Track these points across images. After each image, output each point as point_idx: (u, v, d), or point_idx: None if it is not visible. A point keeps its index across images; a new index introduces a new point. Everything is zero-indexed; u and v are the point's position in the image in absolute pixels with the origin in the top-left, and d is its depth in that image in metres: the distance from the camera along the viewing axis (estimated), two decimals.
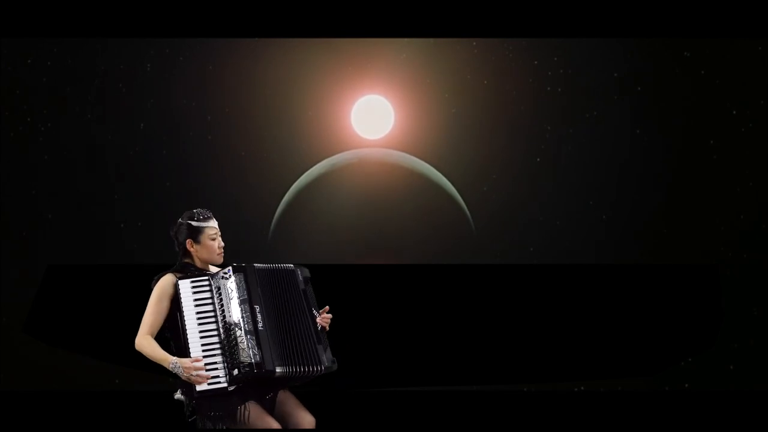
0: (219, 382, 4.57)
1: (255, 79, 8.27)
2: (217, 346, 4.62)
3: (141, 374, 6.26)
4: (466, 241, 8.31)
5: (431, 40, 8.22)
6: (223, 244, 4.85)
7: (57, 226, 8.28)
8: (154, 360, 4.62)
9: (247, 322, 4.62)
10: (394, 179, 8.34)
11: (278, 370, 4.58)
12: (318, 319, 4.85)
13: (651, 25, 7.75)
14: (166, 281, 4.70)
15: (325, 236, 8.27)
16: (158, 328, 4.68)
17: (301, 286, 4.87)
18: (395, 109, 8.36)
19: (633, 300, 8.09)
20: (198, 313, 4.65)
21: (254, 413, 4.61)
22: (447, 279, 8.19)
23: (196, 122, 8.34)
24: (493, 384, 8.12)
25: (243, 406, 4.60)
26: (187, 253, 4.82)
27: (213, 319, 4.66)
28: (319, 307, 4.90)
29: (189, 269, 4.78)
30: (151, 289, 4.71)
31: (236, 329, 4.60)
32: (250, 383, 4.60)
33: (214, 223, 4.85)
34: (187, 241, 4.80)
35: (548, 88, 8.28)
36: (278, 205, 8.36)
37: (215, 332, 4.64)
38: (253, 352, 4.56)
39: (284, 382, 4.72)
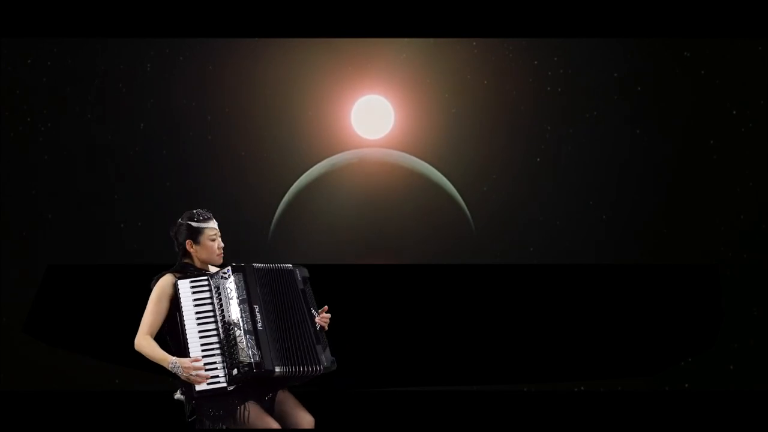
0: (218, 382, 4.57)
1: (255, 79, 8.27)
2: (217, 346, 4.62)
3: (141, 374, 6.26)
4: (466, 241, 8.31)
5: (431, 40, 8.22)
6: (222, 244, 4.86)
7: (57, 226, 8.28)
8: (154, 360, 4.62)
9: (247, 322, 4.62)
10: (394, 179, 8.34)
11: (277, 369, 4.58)
12: (317, 319, 4.85)
13: (651, 25, 7.75)
14: (165, 281, 4.70)
15: (325, 236, 8.27)
16: (158, 329, 4.68)
17: (300, 286, 4.87)
18: (395, 109, 8.36)
19: (633, 300, 8.09)
20: (197, 313, 4.65)
21: (254, 413, 4.61)
22: (447, 279, 8.19)
23: (196, 122, 8.34)
24: (493, 384, 8.12)
25: (243, 406, 4.60)
26: (187, 254, 4.82)
27: (212, 319, 4.66)
28: (318, 306, 4.90)
29: (188, 269, 4.78)
30: (151, 290, 4.71)
31: (235, 329, 4.60)
32: (250, 383, 4.60)
33: (213, 224, 4.85)
34: (187, 241, 4.80)
35: (548, 88, 8.28)
36: (278, 205, 8.36)
37: (214, 332, 4.64)
38: (252, 351, 4.56)
39: (283, 382, 4.73)
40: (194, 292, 4.68)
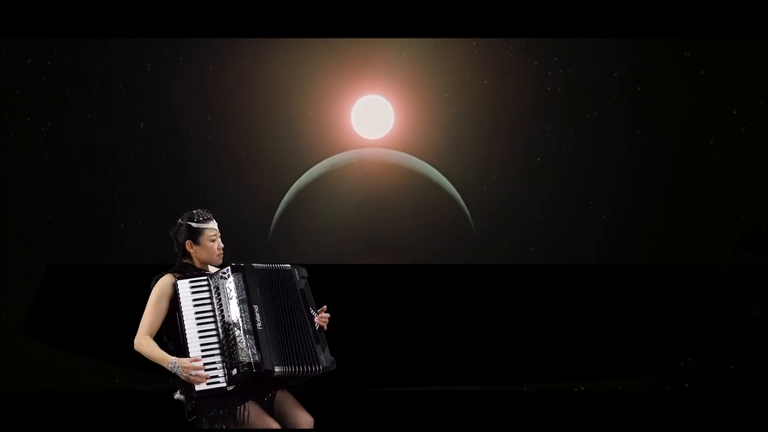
0: (218, 382, 4.57)
1: (255, 79, 8.27)
2: (216, 346, 4.62)
3: (141, 374, 6.26)
4: (466, 241, 8.31)
5: (431, 40, 8.22)
6: (222, 245, 4.86)
7: (57, 226, 8.28)
8: (153, 360, 4.62)
9: (246, 322, 4.62)
10: (394, 179, 8.34)
11: (277, 369, 4.58)
12: (316, 319, 4.85)
13: (651, 25, 7.75)
14: (165, 282, 4.70)
15: (325, 236, 8.26)
16: (157, 329, 4.68)
17: (299, 286, 4.87)
18: (395, 109, 8.36)
19: (633, 300, 8.09)
20: (197, 313, 4.65)
21: (254, 413, 4.62)
22: (447, 279, 8.19)
23: (196, 122, 8.34)
24: (493, 384, 8.12)
25: (242, 406, 4.61)
26: (187, 254, 4.82)
27: (212, 319, 4.66)
28: (317, 306, 4.91)
29: (188, 269, 4.78)
30: (150, 290, 4.71)
31: (235, 329, 4.60)
32: (249, 383, 4.60)
33: (213, 225, 4.85)
34: (187, 242, 4.80)
35: (548, 88, 8.28)
36: (278, 205, 8.36)
37: (214, 332, 4.64)
38: (252, 351, 4.56)
39: (283, 381, 4.73)
40: (194, 292, 4.68)
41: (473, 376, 8.09)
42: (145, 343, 4.63)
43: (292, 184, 8.37)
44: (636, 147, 8.20)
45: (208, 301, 4.68)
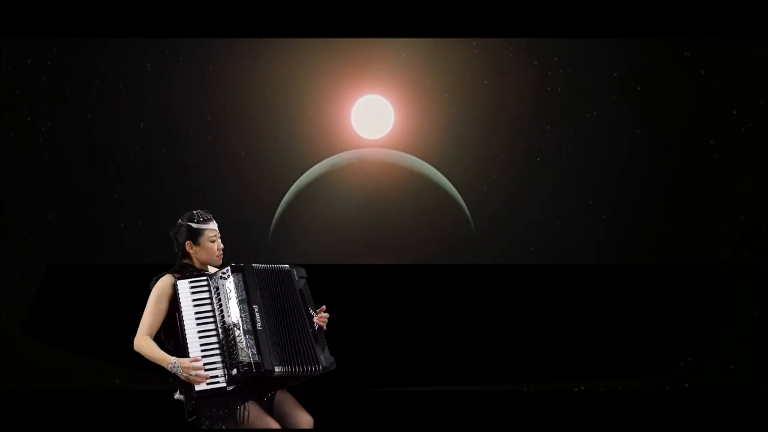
0: (218, 382, 4.57)
1: (255, 79, 8.27)
2: (216, 346, 4.62)
3: (141, 374, 6.26)
4: (466, 241, 8.31)
5: (431, 40, 8.22)
6: (222, 246, 4.86)
7: (57, 226, 8.28)
8: (153, 360, 4.62)
9: (246, 322, 4.62)
10: (394, 179, 8.34)
11: (277, 369, 4.58)
12: (315, 319, 4.85)
13: (651, 25, 7.75)
14: (164, 282, 4.70)
15: (325, 236, 8.26)
16: (157, 329, 4.68)
17: (298, 286, 4.87)
18: (395, 109, 8.36)
19: (633, 300, 8.09)
20: (197, 313, 4.65)
21: (254, 413, 4.62)
22: (447, 279, 8.19)
23: (196, 122, 8.34)
24: (493, 384, 8.12)
25: (242, 406, 4.61)
26: (187, 254, 4.82)
27: (212, 319, 4.66)
28: (316, 306, 4.91)
29: (188, 270, 4.78)
30: (150, 290, 4.71)
31: (235, 329, 4.60)
32: (249, 383, 4.60)
33: (213, 225, 4.85)
34: (187, 242, 4.80)
35: (548, 88, 8.28)
36: (278, 205, 8.36)
37: (214, 332, 4.64)
38: (252, 351, 4.56)
39: (282, 382, 4.73)
40: (193, 293, 4.68)
41: (473, 376, 8.09)
42: (144, 343, 4.63)
43: (292, 184, 8.37)
44: (636, 147, 8.20)
45: (208, 301, 4.68)
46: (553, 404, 7.93)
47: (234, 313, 4.64)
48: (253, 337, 4.59)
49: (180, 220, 4.84)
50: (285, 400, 4.78)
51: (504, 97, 8.29)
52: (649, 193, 8.20)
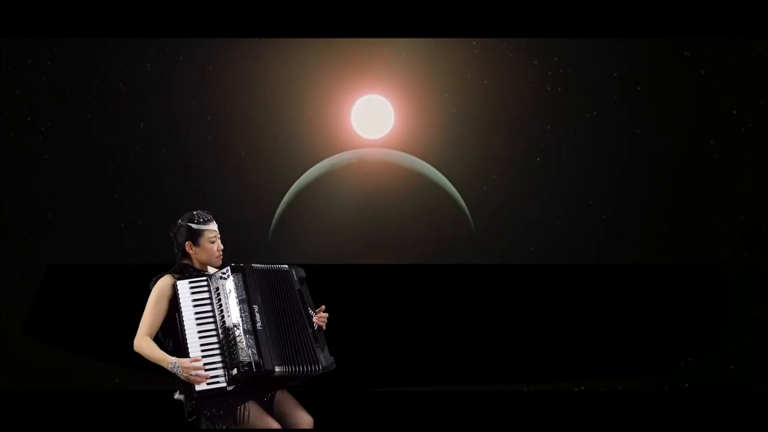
0: (218, 382, 4.57)
1: (255, 79, 8.27)
2: (216, 346, 4.62)
3: (141, 374, 6.25)
4: (466, 241, 8.31)
5: (431, 40, 8.22)
6: (222, 247, 4.85)
7: (57, 226, 8.28)
8: (153, 360, 4.62)
9: (246, 322, 4.62)
10: (394, 179, 8.34)
11: (277, 369, 4.58)
12: (315, 319, 4.85)
13: (651, 25, 7.75)
14: (164, 283, 4.70)
15: (325, 236, 8.26)
16: (157, 329, 4.68)
17: (297, 286, 4.87)
18: (395, 109, 8.36)
19: (633, 300, 8.09)
20: (197, 313, 4.65)
21: (254, 413, 4.62)
22: (447, 279, 8.19)
23: (196, 122, 8.34)
24: (493, 384, 8.12)
25: (243, 406, 4.61)
26: (186, 255, 4.82)
27: (212, 320, 4.66)
28: (316, 306, 4.91)
29: (187, 270, 4.78)
30: (150, 290, 4.71)
31: (235, 329, 4.60)
32: (249, 383, 4.60)
33: (213, 226, 4.85)
34: (187, 243, 4.80)
35: (548, 88, 8.28)
36: (278, 205, 8.36)
37: (214, 332, 4.64)
38: (252, 351, 4.56)
39: (283, 381, 4.73)
40: (193, 293, 4.68)
41: (473, 376, 8.09)
42: (144, 344, 4.63)
43: (292, 184, 8.37)
44: (636, 147, 8.20)
45: (208, 301, 4.68)
46: (553, 404, 7.93)
47: (234, 313, 4.64)
48: (253, 337, 4.59)
49: (180, 221, 4.84)
50: (285, 400, 4.78)
51: (504, 97, 8.28)
52: (649, 193, 8.20)
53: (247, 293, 4.68)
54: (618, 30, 7.77)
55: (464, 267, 8.25)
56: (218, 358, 4.59)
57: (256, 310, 4.66)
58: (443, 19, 7.74)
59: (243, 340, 4.57)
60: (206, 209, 4.90)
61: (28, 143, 8.28)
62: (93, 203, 8.29)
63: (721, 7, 7.61)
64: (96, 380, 8.09)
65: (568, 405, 7.92)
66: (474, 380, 8.11)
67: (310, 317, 4.84)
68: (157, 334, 4.68)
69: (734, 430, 7.27)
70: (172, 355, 4.59)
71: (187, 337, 4.59)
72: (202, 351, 4.59)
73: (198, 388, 4.56)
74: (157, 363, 4.61)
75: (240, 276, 4.69)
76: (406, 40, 8.22)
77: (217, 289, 4.68)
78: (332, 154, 8.39)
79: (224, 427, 4.60)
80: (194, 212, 4.84)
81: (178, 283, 4.67)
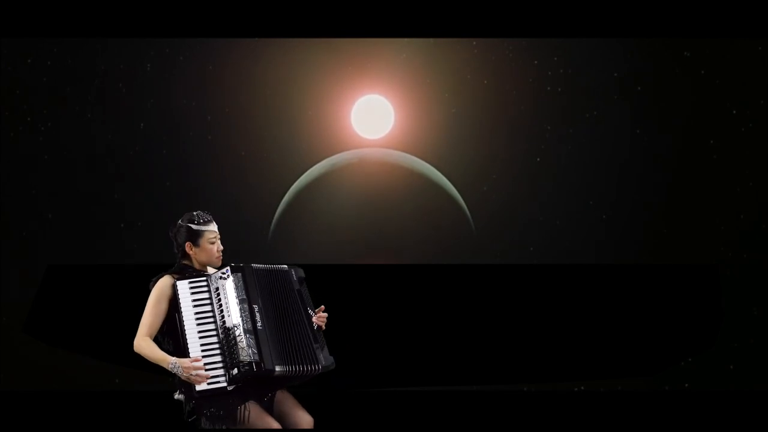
0: (218, 382, 4.57)
1: (255, 79, 8.27)
2: (216, 346, 4.62)
3: (141, 374, 6.25)
4: (466, 241, 8.31)
5: (431, 40, 8.22)
6: (222, 247, 4.85)
7: (57, 226, 8.28)
8: (154, 361, 4.62)
9: (246, 322, 4.62)
10: (394, 179, 8.34)
11: (277, 369, 4.58)
12: (314, 319, 4.85)
13: (651, 25, 7.75)
14: (164, 283, 4.70)
15: (325, 236, 8.26)
16: (157, 330, 4.67)
17: (296, 286, 4.87)
18: (395, 109, 8.36)
19: (633, 300, 8.09)
20: (197, 313, 4.65)
21: (254, 413, 4.62)
22: (447, 279, 8.19)
23: (196, 122, 8.34)
24: (493, 384, 8.12)
25: (243, 406, 4.60)
26: (186, 255, 4.82)
27: (212, 320, 4.66)
28: (316, 306, 4.91)
29: (187, 271, 4.78)
30: (149, 291, 4.71)
31: (235, 329, 4.60)
32: (250, 383, 4.60)
33: (213, 227, 4.85)
34: (186, 243, 4.80)
35: (548, 88, 8.28)
36: (278, 205, 8.36)
37: (214, 332, 4.64)
38: (252, 351, 4.56)
39: (283, 381, 4.73)
40: (193, 293, 4.68)
41: (473, 376, 8.09)
42: (144, 344, 4.63)
43: (292, 184, 8.37)
44: (636, 147, 8.20)
45: (208, 301, 4.68)
46: (553, 404, 7.93)
47: (234, 312, 4.63)
48: (253, 337, 4.59)
49: (180, 221, 4.83)
50: (285, 400, 4.78)
51: (504, 97, 8.29)
52: (649, 193, 8.20)
53: (247, 293, 4.68)
54: (618, 30, 7.77)
55: (464, 267, 8.25)
56: (218, 358, 4.59)
57: (256, 309, 4.66)
58: (443, 19, 7.74)
59: (243, 339, 4.57)
60: (206, 209, 4.89)
61: (28, 143, 8.28)
62: (93, 203, 8.30)
63: (721, 7, 7.61)
64: (96, 380, 8.09)
65: (568, 405, 7.92)
66: (474, 380, 8.11)
67: (309, 317, 4.84)
68: (156, 336, 4.68)
69: (734, 430, 7.27)
70: (172, 356, 4.59)
71: (187, 337, 4.59)
72: (203, 351, 4.59)
73: (198, 388, 4.55)
74: (157, 363, 4.61)
75: (240, 276, 4.69)
76: (406, 40, 8.23)
77: (217, 289, 4.68)
78: (332, 154, 8.39)
79: (224, 427, 4.60)
80: (194, 213, 4.84)
81: (178, 283, 4.67)
